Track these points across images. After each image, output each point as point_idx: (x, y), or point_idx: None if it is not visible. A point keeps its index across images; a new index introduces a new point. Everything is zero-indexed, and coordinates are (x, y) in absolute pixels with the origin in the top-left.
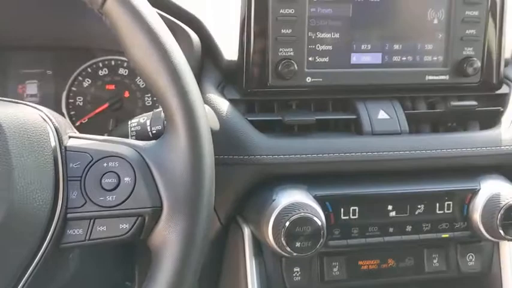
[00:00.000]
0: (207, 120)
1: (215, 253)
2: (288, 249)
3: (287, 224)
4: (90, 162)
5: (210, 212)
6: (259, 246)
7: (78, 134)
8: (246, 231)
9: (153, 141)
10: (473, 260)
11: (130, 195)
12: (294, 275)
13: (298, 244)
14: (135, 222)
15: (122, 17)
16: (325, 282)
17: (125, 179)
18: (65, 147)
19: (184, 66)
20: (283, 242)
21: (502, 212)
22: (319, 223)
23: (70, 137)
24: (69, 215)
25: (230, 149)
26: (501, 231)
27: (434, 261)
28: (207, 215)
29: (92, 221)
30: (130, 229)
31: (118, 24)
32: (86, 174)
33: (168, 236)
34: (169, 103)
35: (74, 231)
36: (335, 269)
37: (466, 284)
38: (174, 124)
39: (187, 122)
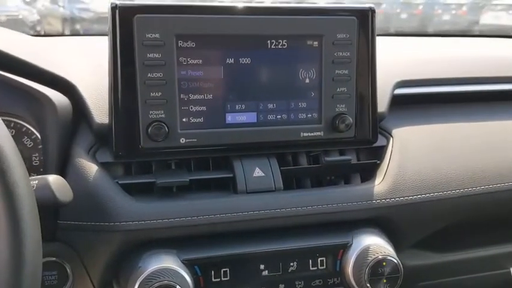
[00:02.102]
0: (32, 201)
1: None
2: None
3: None
4: None
5: None
6: None
7: None
8: None
9: None
10: None
11: None
12: None
13: None
14: None
15: None
16: None
17: None
18: None
19: (5, 144)
20: None
21: (369, 266)
22: None
23: None
24: None
25: (95, 216)
26: (368, 286)
27: None
28: None
29: None
30: None
31: None
32: None
33: None
34: None
35: None
36: None
37: None
38: None
39: (7, 204)
